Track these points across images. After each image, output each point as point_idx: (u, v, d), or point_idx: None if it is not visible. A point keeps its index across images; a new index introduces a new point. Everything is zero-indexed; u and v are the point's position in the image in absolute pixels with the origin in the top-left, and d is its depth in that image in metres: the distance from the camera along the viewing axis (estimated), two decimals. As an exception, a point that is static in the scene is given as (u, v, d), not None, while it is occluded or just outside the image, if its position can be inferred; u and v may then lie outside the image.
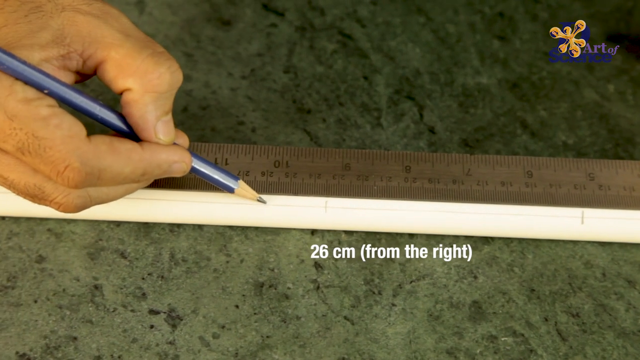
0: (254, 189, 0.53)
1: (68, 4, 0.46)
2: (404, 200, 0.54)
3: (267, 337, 0.50)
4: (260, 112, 0.61)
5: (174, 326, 0.51)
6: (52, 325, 0.50)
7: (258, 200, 0.53)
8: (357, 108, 0.61)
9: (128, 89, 0.46)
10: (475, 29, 0.67)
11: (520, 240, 0.55)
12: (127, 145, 0.46)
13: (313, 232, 0.55)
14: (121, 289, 0.52)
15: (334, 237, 0.55)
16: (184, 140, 0.50)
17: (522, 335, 0.51)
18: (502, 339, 0.51)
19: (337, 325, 0.51)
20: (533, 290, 0.53)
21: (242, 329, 0.51)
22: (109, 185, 0.47)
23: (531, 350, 0.51)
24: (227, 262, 0.53)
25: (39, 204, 0.47)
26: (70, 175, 0.44)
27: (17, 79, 0.43)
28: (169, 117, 0.48)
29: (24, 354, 0.49)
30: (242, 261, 0.53)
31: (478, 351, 0.50)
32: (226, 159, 0.54)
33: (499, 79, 0.64)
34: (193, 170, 0.50)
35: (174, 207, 0.53)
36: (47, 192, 0.46)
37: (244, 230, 0.54)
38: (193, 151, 0.51)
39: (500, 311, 0.52)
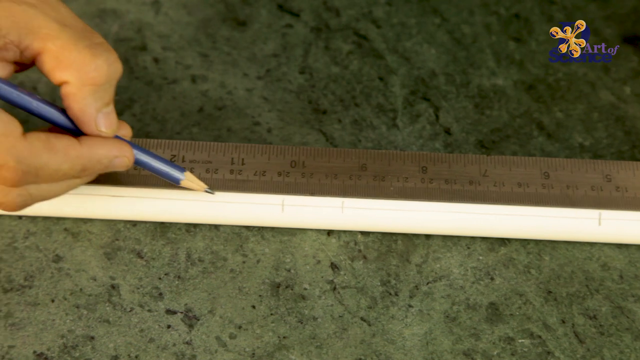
0: (270, 190, 0.53)
1: None
2: (421, 201, 0.54)
3: (284, 337, 0.50)
4: (275, 113, 0.61)
5: (190, 326, 0.51)
6: (69, 325, 0.50)
7: (206, 192, 0.52)
8: (373, 109, 0.61)
9: (66, 82, 0.45)
10: (491, 30, 0.67)
11: (537, 242, 0.55)
12: (64, 141, 0.45)
13: (329, 232, 0.55)
14: (138, 288, 0.52)
15: (351, 238, 0.55)
16: (126, 131, 0.49)
17: (539, 337, 0.51)
18: (519, 340, 0.51)
19: (353, 326, 0.51)
20: (550, 292, 0.53)
21: (259, 330, 0.51)
22: (49, 182, 0.46)
23: (548, 353, 0.50)
24: (244, 262, 0.53)
25: None
26: (6, 175, 0.44)
27: None
28: (110, 108, 0.46)
29: (42, 354, 0.49)
30: (258, 261, 0.53)
31: (495, 353, 0.50)
32: (243, 159, 0.54)
33: (515, 80, 0.64)
34: (137, 162, 0.49)
35: (190, 207, 0.53)
36: None
37: (260, 230, 0.54)
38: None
39: (517, 313, 0.52)
